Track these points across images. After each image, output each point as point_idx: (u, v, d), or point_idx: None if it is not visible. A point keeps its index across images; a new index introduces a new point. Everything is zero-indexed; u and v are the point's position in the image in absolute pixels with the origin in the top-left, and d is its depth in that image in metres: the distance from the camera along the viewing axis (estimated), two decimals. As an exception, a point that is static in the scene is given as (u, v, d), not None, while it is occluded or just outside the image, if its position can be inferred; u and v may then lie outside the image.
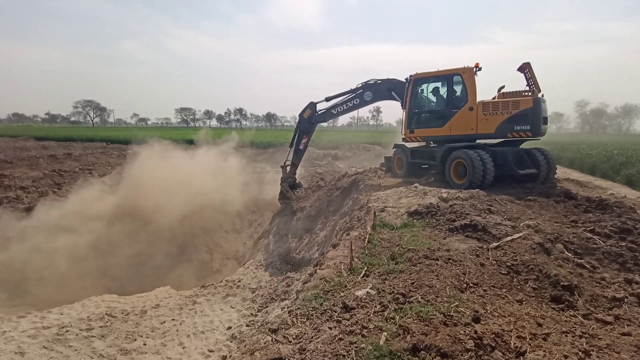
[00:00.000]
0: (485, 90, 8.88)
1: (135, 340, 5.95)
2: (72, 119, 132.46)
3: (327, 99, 10.89)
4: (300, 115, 11.20)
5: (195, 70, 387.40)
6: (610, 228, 5.04)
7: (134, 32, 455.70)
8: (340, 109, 10.79)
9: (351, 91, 10.61)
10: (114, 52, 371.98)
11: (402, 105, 10.19)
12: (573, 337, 2.86)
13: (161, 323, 6.57)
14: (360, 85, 10.56)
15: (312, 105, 11.01)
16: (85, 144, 34.46)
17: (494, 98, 8.99)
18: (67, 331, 6.00)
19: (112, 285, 9.55)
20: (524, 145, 9.19)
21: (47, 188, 13.61)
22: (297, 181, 12.43)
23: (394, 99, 10.34)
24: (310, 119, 11.07)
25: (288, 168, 11.82)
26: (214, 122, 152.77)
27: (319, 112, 11.04)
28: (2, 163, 18.24)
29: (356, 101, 10.57)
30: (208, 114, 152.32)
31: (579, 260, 4.29)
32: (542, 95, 8.48)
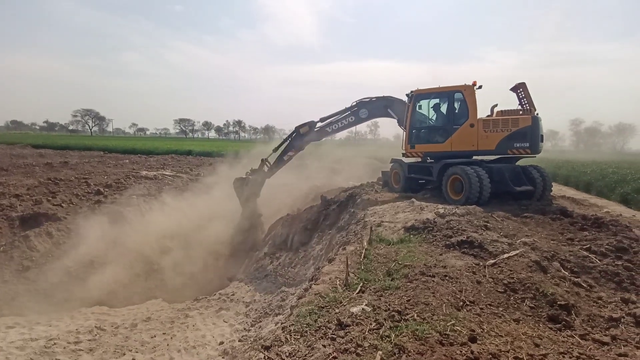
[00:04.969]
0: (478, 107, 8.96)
1: (124, 354, 5.81)
2: (71, 127, 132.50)
3: (322, 120, 10.94)
4: (297, 129, 11.19)
5: (195, 82, 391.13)
6: (607, 247, 5.04)
7: (134, 44, 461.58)
8: (335, 126, 10.80)
9: (346, 109, 10.64)
10: (114, 63, 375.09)
11: (398, 123, 10.26)
12: (570, 358, 2.82)
13: (151, 337, 6.43)
14: (355, 102, 10.56)
15: (312, 124, 11.04)
16: (83, 153, 34.33)
17: (489, 116, 9.11)
18: (54, 344, 5.87)
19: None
20: (520, 162, 9.26)
21: (42, 196, 13.47)
22: (260, 188, 12.03)
23: (390, 116, 10.37)
24: (304, 136, 11.10)
25: (265, 167, 11.70)
26: (212, 134, 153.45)
27: (315, 130, 11.05)
28: (-3, 170, 18.12)
29: (351, 119, 10.60)
30: (207, 126, 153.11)
31: (576, 279, 4.27)
32: (537, 114, 8.61)
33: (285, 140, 11.46)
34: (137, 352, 5.92)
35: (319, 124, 11.04)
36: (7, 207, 12.27)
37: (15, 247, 10.57)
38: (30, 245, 10.74)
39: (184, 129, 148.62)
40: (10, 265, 10.04)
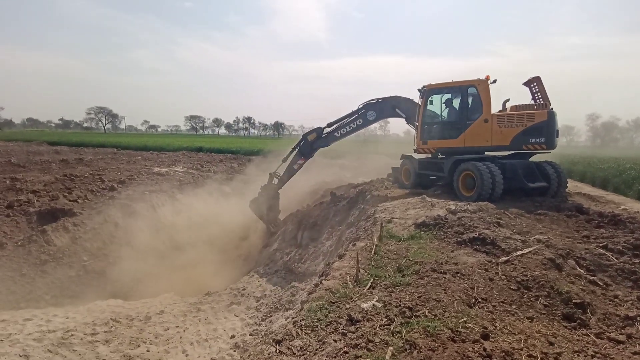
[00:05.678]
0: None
1: (139, 346, 5.93)
2: (85, 124, 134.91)
3: (329, 125, 10.88)
4: (305, 136, 11.15)
5: (205, 79, 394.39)
6: (624, 244, 4.93)
7: (145, 41, 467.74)
8: (344, 131, 10.72)
9: (353, 112, 10.56)
10: (126, 61, 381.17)
11: (407, 121, 10.18)
12: (585, 356, 2.77)
13: (165, 330, 6.55)
14: (362, 105, 10.48)
15: (319, 130, 11.00)
16: (97, 150, 35.07)
17: (502, 111, 8.95)
18: (72, 335, 6.01)
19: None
20: (534, 158, 9.09)
21: (58, 192, 13.79)
22: (277, 201, 12.09)
23: (398, 115, 10.30)
24: (313, 143, 11.03)
25: (275, 180, 11.71)
26: (222, 130, 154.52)
27: (322, 136, 10.99)
28: (15, 167, 18.58)
29: (359, 122, 10.54)
30: (217, 122, 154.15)
31: (592, 277, 4.19)
32: (552, 108, 8.43)
33: (293, 149, 11.40)
34: (151, 343, 6.05)
35: (326, 130, 10.98)
36: (25, 202, 12.61)
37: (33, 241, 10.87)
38: (47, 240, 11.03)
39: (194, 125, 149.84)
40: (28, 259, 10.33)
